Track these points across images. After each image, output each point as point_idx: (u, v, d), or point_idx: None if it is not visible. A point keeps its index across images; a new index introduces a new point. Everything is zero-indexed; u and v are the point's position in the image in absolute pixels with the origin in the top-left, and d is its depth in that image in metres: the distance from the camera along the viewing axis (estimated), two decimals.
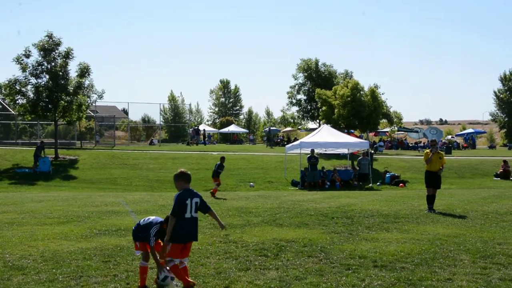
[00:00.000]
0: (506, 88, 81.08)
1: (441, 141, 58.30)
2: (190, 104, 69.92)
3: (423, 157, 16.57)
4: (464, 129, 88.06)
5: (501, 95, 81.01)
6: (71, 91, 37.49)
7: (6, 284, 7.48)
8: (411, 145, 62.18)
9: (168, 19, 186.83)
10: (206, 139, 62.31)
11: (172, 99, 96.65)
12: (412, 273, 8.02)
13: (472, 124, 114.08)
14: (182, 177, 7.38)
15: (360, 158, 32.67)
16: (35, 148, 35.06)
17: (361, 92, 45.16)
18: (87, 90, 39.30)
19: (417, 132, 70.39)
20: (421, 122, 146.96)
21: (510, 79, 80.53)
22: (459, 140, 69.64)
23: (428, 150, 16.30)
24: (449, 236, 10.97)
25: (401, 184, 31.17)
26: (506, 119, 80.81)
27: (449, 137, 72.07)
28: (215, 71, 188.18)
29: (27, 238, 10.92)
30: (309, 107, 64.25)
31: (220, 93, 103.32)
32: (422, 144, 62.46)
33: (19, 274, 8.01)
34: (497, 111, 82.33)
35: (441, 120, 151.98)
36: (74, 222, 13.35)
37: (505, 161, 34.79)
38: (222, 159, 22.89)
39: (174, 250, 7.30)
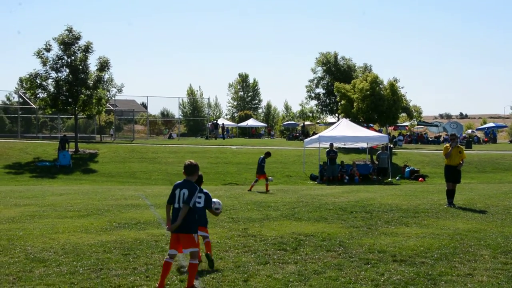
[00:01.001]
0: None
1: (462, 135, 57.70)
2: (208, 98, 70.24)
3: (442, 151, 16.38)
4: (485, 123, 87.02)
5: None
6: (90, 85, 37.78)
7: (28, 276, 7.59)
8: (430, 139, 61.64)
9: (187, 13, 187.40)
10: (225, 133, 62.40)
11: (191, 93, 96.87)
12: (432, 268, 7.97)
13: (493, 118, 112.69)
14: (184, 168, 7.33)
15: (379, 152, 32.47)
16: (58, 142, 35.51)
17: (380, 86, 44.80)
18: (107, 84, 39.57)
19: (437, 126, 69.81)
20: (441, 116, 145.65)
21: None
22: (480, 134, 68.80)
23: (447, 144, 16.11)
24: (469, 231, 10.88)
25: (420, 179, 30.93)
26: None
27: (470, 131, 71.28)
28: (233, 65, 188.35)
29: (48, 231, 11.06)
30: (328, 101, 63.89)
31: (238, 87, 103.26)
32: (442, 139, 61.99)
33: (40, 266, 8.12)
34: None
35: (461, 114, 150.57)
36: (94, 215, 13.49)
37: None
38: (267, 154, 22.42)
39: (171, 239, 7.25)
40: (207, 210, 8.28)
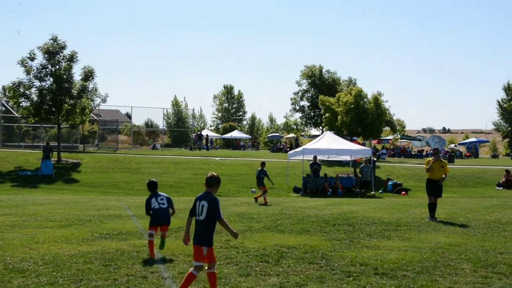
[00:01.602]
0: (509, 97, 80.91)
1: (444, 149, 58.21)
2: (193, 109, 69.95)
3: (424, 164, 16.48)
4: (467, 138, 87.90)
5: (505, 105, 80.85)
6: (74, 94, 37.54)
7: (7, 286, 7.49)
8: (414, 153, 62.09)
9: (172, 24, 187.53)
10: (209, 144, 62.33)
11: (175, 104, 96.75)
12: (413, 281, 8.01)
13: (475, 133, 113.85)
14: (206, 180, 7.50)
15: (362, 165, 32.57)
16: (42, 151, 35.20)
17: (365, 100, 45.13)
18: (91, 94, 39.32)
19: (420, 140, 70.29)
20: (424, 130, 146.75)
21: None
22: (462, 149, 69.53)
23: (430, 158, 16.18)
24: (450, 245, 10.95)
25: (403, 192, 31.11)
26: (509, 128, 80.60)
27: (452, 145, 71.93)
28: (219, 77, 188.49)
29: (28, 241, 10.93)
30: (312, 113, 64.19)
31: (223, 98, 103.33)
32: (425, 153, 62.45)
33: (19, 276, 8.02)
34: (500, 120, 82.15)
35: (444, 128, 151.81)
36: (75, 225, 13.37)
37: (507, 171, 34.70)
38: (263, 164, 22.62)
39: (194, 251, 7.30)
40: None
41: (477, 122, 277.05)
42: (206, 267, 7.23)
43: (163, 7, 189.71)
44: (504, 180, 34.09)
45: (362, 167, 31.81)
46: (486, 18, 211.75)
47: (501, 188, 33.50)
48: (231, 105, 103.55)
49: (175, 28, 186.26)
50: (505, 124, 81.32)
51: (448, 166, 16.19)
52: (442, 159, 16.27)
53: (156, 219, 9.87)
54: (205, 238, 7.10)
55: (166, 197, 10.10)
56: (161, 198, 10.02)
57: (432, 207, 15.35)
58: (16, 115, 48.05)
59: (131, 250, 10.06)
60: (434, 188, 15.50)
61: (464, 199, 25.66)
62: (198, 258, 7.10)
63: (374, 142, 60.12)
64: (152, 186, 10.26)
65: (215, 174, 7.47)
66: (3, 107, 55.31)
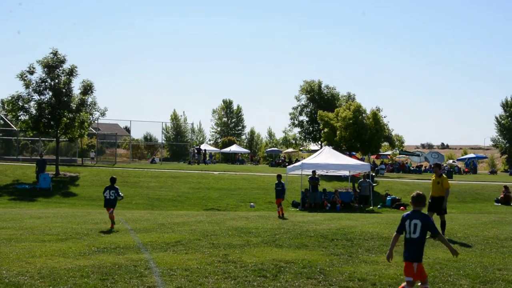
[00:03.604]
0: (507, 114, 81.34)
1: (443, 165, 58.22)
2: (192, 123, 70.10)
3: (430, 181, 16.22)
4: (466, 153, 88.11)
5: (503, 121, 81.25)
6: (73, 108, 37.62)
7: None
8: (412, 168, 62.12)
9: (171, 38, 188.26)
10: (208, 158, 62.30)
11: (174, 117, 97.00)
12: None
13: (474, 149, 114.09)
14: (412, 199, 7.67)
15: (360, 180, 32.59)
16: (35, 164, 35.21)
17: (363, 115, 45.30)
18: (90, 108, 39.42)
19: (418, 155, 70.35)
20: (423, 146, 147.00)
21: None
22: (460, 164, 69.59)
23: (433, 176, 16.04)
24: (449, 261, 10.91)
25: (402, 208, 31.05)
26: (508, 144, 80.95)
27: (451, 161, 72.04)
28: (218, 91, 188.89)
29: (25, 255, 10.88)
30: (311, 128, 64.42)
31: (222, 113, 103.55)
32: (423, 168, 62.44)
33: None
34: (499, 136, 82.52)
35: (442, 144, 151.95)
36: (72, 239, 13.32)
37: (506, 187, 34.69)
38: (279, 177, 22.94)
39: (405, 267, 7.53)
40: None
41: (475, 138, 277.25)
42: (419, 284, 7.44)
43: (162, 21, 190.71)
44: (502, 196, 34.06)
45: (361, 182, 31.81)
46: (487, 33, 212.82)
47: (500, 204, 33.47)
48: (230, 119, 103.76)
49: (173, 42, 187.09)
50: (503, 140, 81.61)
51: (447, 181, 15.94)
52: (442, 175, 16.06)
53: (106, 203, 16.50)
54: (418, 255, 7.39)
55: (116, 190, 16.56)
56: (112, 191, 16.46)
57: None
58: (15, 128, 48.06)
59: (129, 264, 10.01)
60: (432, 205, 15.41)
61: (462, 215, 25.61)
62: (409, 274, 7.39)
63: (372, 157, 60.12)
64: (111, 181, 16.78)
65: (420, 192, 7.73)
66: (1, 121, 55.40)
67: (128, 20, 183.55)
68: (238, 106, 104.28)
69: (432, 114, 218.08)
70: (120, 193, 16.78)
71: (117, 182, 17.37)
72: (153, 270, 9.53)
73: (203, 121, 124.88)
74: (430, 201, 15.57)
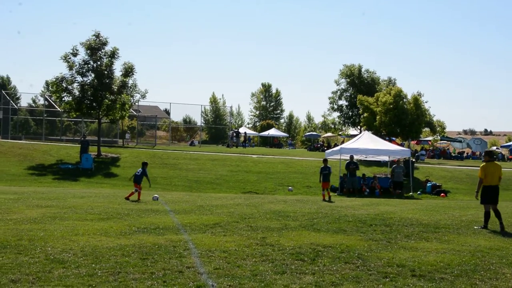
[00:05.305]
0: None
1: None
2: (231, 107, 69.92)
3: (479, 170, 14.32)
4: (510, 140, 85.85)
5: None
6: (115, 90, 38.15)
7: (47, 276, 7.66)
8: (454, 155, 61.00)
9: (213, 22, 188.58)
10: (246, 141, 62.46)
11: (213, 101, 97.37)
12: (452, 284, 7.86)
13: None
14: None
15: (394, 166, 31.79)
16: (80, 145, 35.96)
17: (404, 100, 44.60)
18: (131, 90, 39.90)
19: (460, 142, 69.01)
20: (465, 132, 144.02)
21: None
22: (505, 151, 67.89)
23: (483, 164, 14.34)
24: (491, 249, 10.71)
25: (442, 194, 30.61)
26: None
27: (494, 148, 70.36)
28: (257, 75, 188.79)
29: (68, 233, 11.16)
30: (350, 113, 63.73)
31: (261, 96, 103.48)
32: (465, 154, 61.27)
33: (60, 267, 8.19)
34: None
35: (485, 130, 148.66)
36: (114, 219, 13.59)
37: None
38: (325, 161, 23.24)
39: None
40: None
41: None
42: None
43: (203, 6, 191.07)
44: None
45: (394, 168, 31.21)
46: None
47: None
48: (268, 103, 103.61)
49: (215, 26, 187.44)
50: None
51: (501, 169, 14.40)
52: (495, 162, 14.58)
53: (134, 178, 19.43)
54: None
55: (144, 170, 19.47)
56: (140, 169, 19.54)
57: (487, 216, 13.90)
58: (59, 109, 49.11)
59: (168, 245, 10.16)
60: (490, 195, 13.87)
61: (506, 203, 25.05)
62: None
63: (413, 143, 59.26)
64: (143, 165, 19.71)
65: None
66: (46, 102, 56.69)
67: (167, 1, 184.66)
68: (277, 90, 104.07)
69: (476, 99, 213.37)
70: (146, 174, 19.57)
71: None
72: (192, 251, 9.66)
73: (242, 104, 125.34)
74: (485, 192, 13.96)
